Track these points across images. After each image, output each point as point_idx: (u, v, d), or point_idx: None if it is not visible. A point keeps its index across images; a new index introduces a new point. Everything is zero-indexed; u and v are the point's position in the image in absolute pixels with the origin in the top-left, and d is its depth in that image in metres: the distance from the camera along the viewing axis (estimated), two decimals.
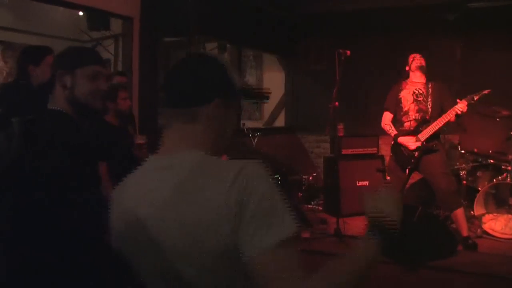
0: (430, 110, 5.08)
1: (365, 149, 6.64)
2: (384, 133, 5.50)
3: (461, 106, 4.84)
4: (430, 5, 6.66)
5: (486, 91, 4.93)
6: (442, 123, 4.97)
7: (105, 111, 3.91)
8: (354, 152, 6.58)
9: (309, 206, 6.80)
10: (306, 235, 5.30)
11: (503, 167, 5.54)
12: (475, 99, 4.90)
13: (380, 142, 6.72)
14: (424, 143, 4.98)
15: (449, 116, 4.91)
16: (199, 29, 6.11)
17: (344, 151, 6.52)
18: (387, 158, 6.50)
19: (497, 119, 5.49)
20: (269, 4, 6.78)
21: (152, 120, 5.57)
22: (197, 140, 1.31)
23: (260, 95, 1.59)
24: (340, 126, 6.63)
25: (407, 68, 5.25)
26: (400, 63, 6.81)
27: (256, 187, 1.15)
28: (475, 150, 5.83)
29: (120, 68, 6.58)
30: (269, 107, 9.01)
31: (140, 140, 4.06)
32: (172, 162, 1.27)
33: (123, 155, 3.83)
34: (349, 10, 6.85)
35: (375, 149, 6.69)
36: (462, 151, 5.90)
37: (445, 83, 5.31)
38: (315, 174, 7.03)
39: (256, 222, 1.12)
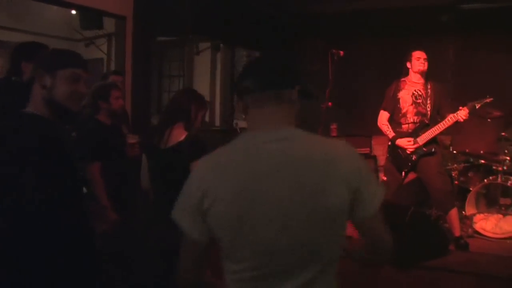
0: (429, 113, 5.02)
1: (358, 149, 6.59)
2: (377, 133, 5.51)
3: (463, 113, 4.80)
4: (423, 6, 6.69)
5: (488, 100, 4.94)
6: (442, 129, 4.94)
7: (97, 110, 3.91)
8: None
9: None
10: None
11: (494, 167, 5.57)
12: (477, 107, 4.91)
13: (373, 142, 6.73)
14: (423, 148, 4.98)
15: (449, 122, 4.88)
16: (192, 28, 6.11)
17: None
18: (380, 159, 6.53)
19: (489, 120, 5.51)
20: (263, 4, 6.78)
21: (145, 120, 5.56)
22: (289, 119, 1.53)
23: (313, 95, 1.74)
24: (333, 126, 6.65)
25: (408, 65, 5.14)
26: (394, 63, 6.84)
27: (362, 162, 1.52)
28: (467, 151, 5.86)
29: (113, 67, 6.57)
30: None
31: (132, 139, 4.06)
32: (284, 135, 1.49)
33: (116, 155, 3.83)
34: (343, 11, 6.87)
35: (368, 149, 6.69)
36: (454, 152, 5.93)
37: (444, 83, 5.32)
38: None
39: (368, 190, 1.48)
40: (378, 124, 5.23)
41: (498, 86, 6.64)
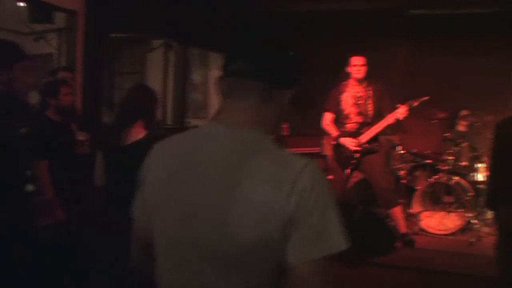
0: (370, 113, 5.22)
1: (310, 149, 6.74)
2: (327, 133, 5.60)
3: (401, 111, 5.01)
4: (373, 10, 6.83)
5: (425, 98, 5.14)
6: (383, 127, 5.14)
7: (46, 106, 3.83)
8: (299, 152, 6.64)
9: None
10: None
11: (439, 167, 5.78)
12: (415, 105, 5.10)
13: (324, 142, 6.84)
14: (366, 145, 5.13)
15: (390, 120, 5.08)
16: (145, 26, 6.04)
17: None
18: (329, 159, 6.64)
19: (435, 121, 5.72)
20: (217, 3, 6.77)
21: (95, 117, 5.46)
22: (262, 120, 1.31)
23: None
24: (285, 126, 6.72)
25: (348, 70, 5.31)
26: (345, 65, 7.00)
27: (315, 193, 1.17)
28: (414, 151, 6.05)
29: (63, 63, 6.41)
30: (214, 105, 8.98)
31: (81, 137, 3.99)
32: (237, 136, 1.27)
33: (64, 152, 3.76)
34: (294, 11, 6.94)
35: (320, 148, 6.81)
36: (402, 152, 6.10)
37: (387, 85, 5.47)
38: None
39: (308, 230, 1.15)
40: (323, 125, 5.37)
41: (444, 89, 6.89)
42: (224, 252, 1.17)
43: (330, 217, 1.19)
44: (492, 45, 6.94)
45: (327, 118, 5.39)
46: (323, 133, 6.69)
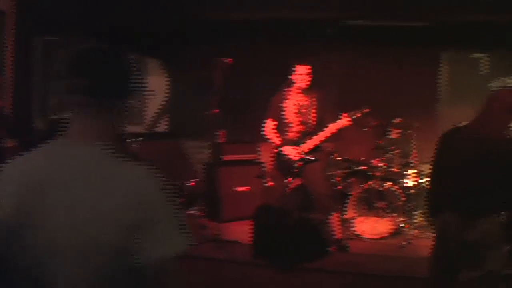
0: (313, 122, 5.27)
1: (246, 155, 6.76)
2: (265, 139, 5.64)
3: (344, 122, 5.15)
4: (309, 19, 6.97)
5: (366, 110, 5.31)
6: (325, 137, 5.22)
7: None
8: (235, 158, 6.68)
9: (190, 212, 6.78)
10: None
11: (371, 173, 5.95)
12: (357, 116, 5.25)
13: (261, 148, 6.89)
14: (308, 155, 5.19)
15: (333, 130, 5.18)
16: (78, 28, 5.87)
17: (225, 157, 6.60)
18: (267, 165, 6.68)
19: (368, 129, 5.88)
20: (153, 8, 6.68)
21: (27, 122, 5.24)
22: (103, 133, 1.34)
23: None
24: (222, 133, 6.71)
25: (292, 77, 5.32)
26: (282, 72, 7.07)
27: (157, 198, 1.26)
28: (349, 158, 6.18)
29: None
30: (152, 111, 8.85)
31: (10, 142, 3.83)
32: (80, 152, 1.29)
33: None
34: (233, 18, 6.96)
35: (256, 155, 6.84)
36: (337, 158, 6.23)
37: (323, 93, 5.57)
38: (197, 180, 7.02)
39: (155, 233, 1.22)
40: (265, 132, 5.36)
41: (377, 98, 7.11)
42: (82, 258, 1.22)
43: (174, 219, 1.28)
44: (421, 57, 7.26)
45: (269, 126, 5.38)
46: (260, 140, 6.74)
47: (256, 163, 6.82)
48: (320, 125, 5.27)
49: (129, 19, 6.61)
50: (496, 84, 7.28)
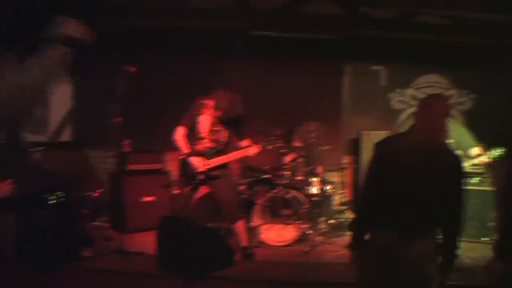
0: (224, 140, 5.30)
1: (152, 165, 6.63)
2: (172, 148, 5.56)
3: (254, 150, 5.29)
4: (218, 29, 6.99)
5: (279, 144, 5.60)
6: (232, 159, 5.32)
7: None
8: (141, 168, 6.53)
9: (96, 223, 6.55)
10: (88, 253, 5.10)
11: (276, 181, 6.05)
12: (270, 147, 5.45)
13: (167, 158, 6.81)
14: (213, 171, 5.22)
15: (241, 155, 5.31)
16: None
17: (130, 167, 6.44)
18: (174, 174, 6.60)
19: (272, 137, 5.97)
20: (53, 12, 6.39)
21: None
22: None
23: None
24: (127, 142, 6.56)
25: (206, 102, 5.28)
26: (190, 81, 7.05)
27: None
28: (254, 166, 6.22)
29: None
30: (55, 120, 8.47)
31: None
32: None
33: None
34: (138, 26, 6.83)
35: (162, 165, 6.74)
36: (243, 167, 6.27)
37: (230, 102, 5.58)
38: (102, 190, 6.79)
39: None
40: (175, 138, 5.28)
41: (283, 107, 7.28)
42: None
43: None
44: (326, 68, 7.51)
45: (180, 133, 5.28)
46: (167, 149, 6.65)
47: (163, 172, 6.72)
48: (232, 143, 5.35)
49: (33, 23, 6.28)
50: (394, 95, 7.69)
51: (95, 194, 6.64)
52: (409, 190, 2.72)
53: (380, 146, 2.91)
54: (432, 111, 2.78)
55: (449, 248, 2.73)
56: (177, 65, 7.15)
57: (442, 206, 2.69)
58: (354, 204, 3.10)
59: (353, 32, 7.07)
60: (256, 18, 6.49)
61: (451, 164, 2.72)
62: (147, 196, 6.43)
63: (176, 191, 5.55)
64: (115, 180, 6.56)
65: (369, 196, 2.94)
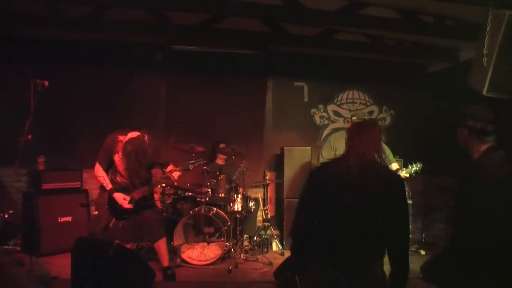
0: (144, 173, 5.09)
1: (68, 183, 6.31)
2: (90, 166, 5.31)
3: (176, 174, 5.27)
4: (138, 43, 6.84)
5: (200, 161, 5.66)
6: (156, 186, 5.35)
7: None
8: (56, 187, 6.20)
9: (6, 247, 6.15)
10: None
11: (198, 199, 5.94)
12: (190, 168, 5.45)
13: (85, 175, 6.52)
14: (140, 202, 5.08)
15: (164, 182, 5.37)
16: None
17: (44, 186, 6.09)
18: (92, 192, 6.35)
19: (193, 154, 5.89)
20: None
21: None
22: None
23: None
24: (41, 159, 6.22)
25: (119, 138, 5.05)
26: (107, 96, 6.82)
27: None
28: (175, 184, 6.06)
29: None
30: None
31: None
32: None
33: None
34: (51, 37, 6.55)
35: (79, 183, 6.43)
36: (164, 185, 6.07)
37: (150, 118, 5.43)
38: (12, 212, 6.39)
39: None
40: (95, 173, 5.04)
41: (204, 123, 7.20)
42: None
43: None
44: (248, 84, 7.52)
45: (99, 169, 5.05)
46: (84, 166, 6.40)
47: (80, 191, 6.42)
48: (149, 172, 5.27)
49: None
50: (316, 111, 7.81)
51: (5, 215, 6.24)
52: (351, 217, 2.60)
53: (315, 173, 2.82)
54: (370, 135, 2.73)
55: (400, 271, 2.61)
56: (95, 79, 6.90)
57: (387, 229, 2.57)
58: (292, 229, 2.78)
59: (274, 48, 7.14)
60: (176, 32, 6.37)
61: (393, 186, 2.63)
62: (63, 216, 6.12)
63: (95, 213, 5.30)
64: (28, 200, 6.18)
65: (303, 226, 2.79)
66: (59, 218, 6.10)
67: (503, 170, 2.86)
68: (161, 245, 5.19)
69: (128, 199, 5.00)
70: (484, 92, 4.29)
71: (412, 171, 5.21)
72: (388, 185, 2.61)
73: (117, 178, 5.08)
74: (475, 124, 2.97)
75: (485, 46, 4.40)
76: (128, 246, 5.73)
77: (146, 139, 5.01)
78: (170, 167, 5.34)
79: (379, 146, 2.72)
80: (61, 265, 5.23)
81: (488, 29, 4.40)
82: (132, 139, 4.97)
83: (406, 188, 6.74)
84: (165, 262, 5.21)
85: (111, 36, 6.62)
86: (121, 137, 5.05)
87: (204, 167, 5.54)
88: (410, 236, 6.50)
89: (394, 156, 5.75)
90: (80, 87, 6.86)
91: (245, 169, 6.32)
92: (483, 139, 2.97)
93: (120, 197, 4.99)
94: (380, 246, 2.60)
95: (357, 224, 2.57)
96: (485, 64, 4.31)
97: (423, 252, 6.78)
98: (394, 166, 5.46)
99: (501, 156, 2.91)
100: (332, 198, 2.64)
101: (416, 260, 6.32)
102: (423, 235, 7.69)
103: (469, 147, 3.04)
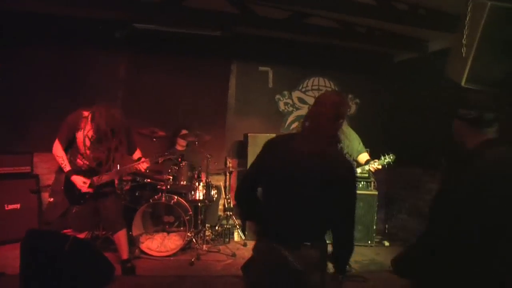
0: (108, 159, 4.66)
1: (16, 168, 5.84)
2: (41, 149, 4.91)
3: (144, 166, 4.90)
4: (98, 19, 6.39)
5: (170, 156, 5.30)
6: (120, 175, 5.04)
7: None
8: (3, 171, 5.71)
9: None
10: None
11: (158, 186, 5.63)
12: (159, 161, 5.07)
13: (36, 159, 6.06)
14: (99, 189, 4.69)
15: (131, 170, 4.92)
16: None
17: None
18: (44, 177, 5.94)
19: (154, 139, 5.57)
20: None
21: None
22: None
23: None
24: None
25: (84, 114, 4.64)
26: (64, 74, 6.35)
27: None
28: (134, 170, 5.71)
29: None
30: None
31: None
32: None
33: None
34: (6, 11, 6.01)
35: (29, 167, 5.96)
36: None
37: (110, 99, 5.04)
38: None
39: None
40: (53, 152, 4.61)
41: (165, 106, 6.84)
42: None
43: None
44: (211, 67, 7.20)
45: (58, 148, 4.60)
46: (35, 149, 5.97)
47: (30, 176, 5.96)
48: (112, 158, 4.70)
49: None
50: (281, 97, 7.59)
51: None
52: (294, 195, 2.49)
53: (268, 145, 2.65)
54: (324, 108, 2.53)
55: (341, 254, 2.59)
56: (49, 57, 6.38)
57: (332, 212, 2.49)
58: (236, 193, 2.72)
59: (240, 30, 6.85)
60: (139, 9, 5.96)
61: (342, 170, 2.49)
62: (10, 204, 5.67)
63: (50, 199, 4.88)
64: None
65: (247, 191, 2.70)
66: (6, 205, 5.64)
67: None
68: (121, 237, 4.85)
69: (88, 182, 4.61)
70: (463, 83, 4.16)
71: (385, 163, 5.13)
72: (337, 170, 2.48)
73: (78, 160, 4.66)
74: (468, 113, 2.24)
75: (464, 36, 4.26)
76: (83, 235, 5.39)
77: (111, 119, 4.56)
78: (137, 153, 4.99)
79: (331, 122, 2.52)
80: (7, 258, 4.89)
81: (467, 19, 4.25)
82: (100, 107, 4.57)
83: (372, 179, 6.67)
84: (125, 254, 4.87)
85: (70, 11, 6.13)
86: (86, 113, 4.62)
87: (165, 153, 5.19)
88: (374, 227, 6.47)
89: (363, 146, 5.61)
90: (35, 67, 6.32)
91: (208, 156, 6.04)
92: (479, 131, 2.20)
93: (79, 180, 4.59)
94: (321, 228, 2.56)
95: (296, 202, 2.48)
96: (464, 55, 4.18)
97: (387, 243, 6.72)
98: (364, 156, 5.32)
99: (501, 156, 2.12)
100: (279, 171, 2.53)
101: (382, 252, 6.34)
102: (386, 225, 7.64)
103: (463, 142, 2.27)
